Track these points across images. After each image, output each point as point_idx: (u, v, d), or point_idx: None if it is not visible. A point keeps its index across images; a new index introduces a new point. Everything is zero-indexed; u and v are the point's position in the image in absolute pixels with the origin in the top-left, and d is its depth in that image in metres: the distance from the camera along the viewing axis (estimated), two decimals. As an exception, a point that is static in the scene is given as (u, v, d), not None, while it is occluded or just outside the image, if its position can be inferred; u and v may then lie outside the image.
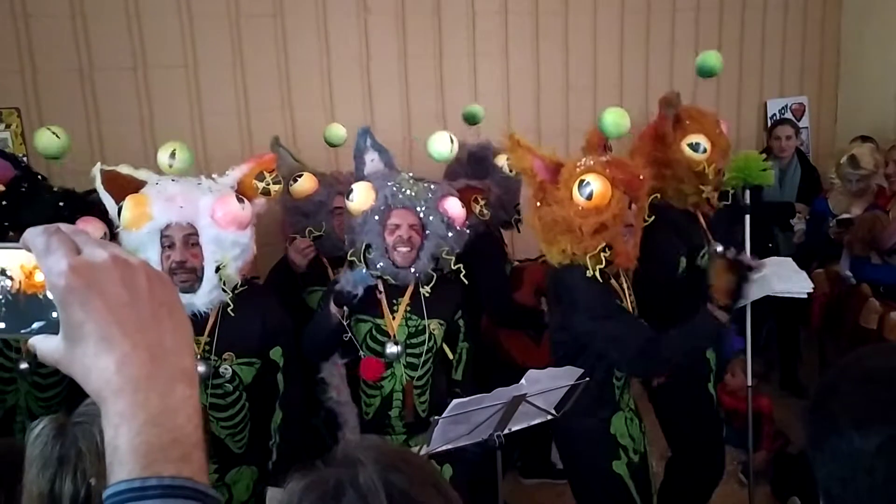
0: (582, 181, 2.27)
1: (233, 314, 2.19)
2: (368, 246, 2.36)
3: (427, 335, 2.42)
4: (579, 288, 2.36)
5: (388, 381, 2.41)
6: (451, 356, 2.55)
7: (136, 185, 2.17)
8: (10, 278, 0.61)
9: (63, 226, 0.60)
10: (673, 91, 2.89)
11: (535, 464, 3.62)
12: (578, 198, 2.26)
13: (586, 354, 2.41)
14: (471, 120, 3.33)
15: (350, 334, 2.36)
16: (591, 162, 2.34)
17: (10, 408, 2.38)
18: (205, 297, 2.12)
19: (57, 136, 2.40)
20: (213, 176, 2.25)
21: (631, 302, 2.48)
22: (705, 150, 2.75)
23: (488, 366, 2.99)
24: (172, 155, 2.34)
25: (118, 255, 0.59)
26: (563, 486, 3.57)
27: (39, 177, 2.56)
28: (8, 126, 3.06)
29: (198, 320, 2.14)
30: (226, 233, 2.11)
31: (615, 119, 2.70)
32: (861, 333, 3.44)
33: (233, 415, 2.23)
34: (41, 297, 0.61)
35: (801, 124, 4.77)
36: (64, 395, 2.38)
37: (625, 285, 2.48)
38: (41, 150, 2.43)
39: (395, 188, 2.35)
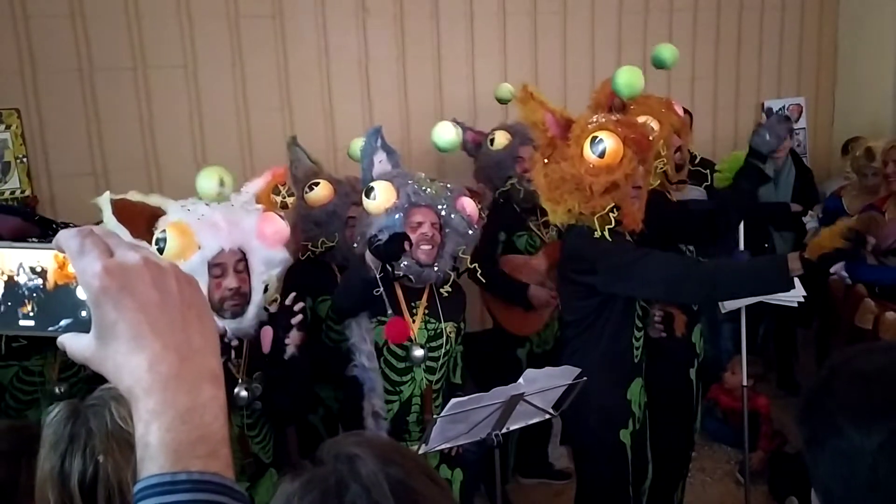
0: (595, 138, 2.21)
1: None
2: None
3: (444, 338, 2.43)
4: (596, 247, 2.30)
5: (408, 385, 2.42)
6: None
7: (149, 212, 2.06)
8: (43, 277, 0.63)
9: (96, 228, 0.61)
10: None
11: (532, 463, 3.63)
12: (590, 155, 2.21)
13: (599, 324, 2.40)
14: (503, 100, 3.43)
15: (381, 289, 2.30)
16: (604, 119, 2.29)
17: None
18: (252, 318, 2.09)
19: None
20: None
21: None
22: (653, 129, 2.70)
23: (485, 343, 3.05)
24: (222, 183, 2.16)
25: (149, 257, 0.61)
26: (562, 485, 3.60)
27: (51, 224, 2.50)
28: (8, 127, 3.06)
29: (236, 343, 2.11)
30: (274, 251, 2.09)
31: (628, 79, 2.60)
32: (857, 333, 3.46)
33: (261, 429, 2.21)
34: (72, 288, 0.62)
35: (798, 125, 4.79)
36: None
37: None
38: None
39: (416, 186, 2.35)
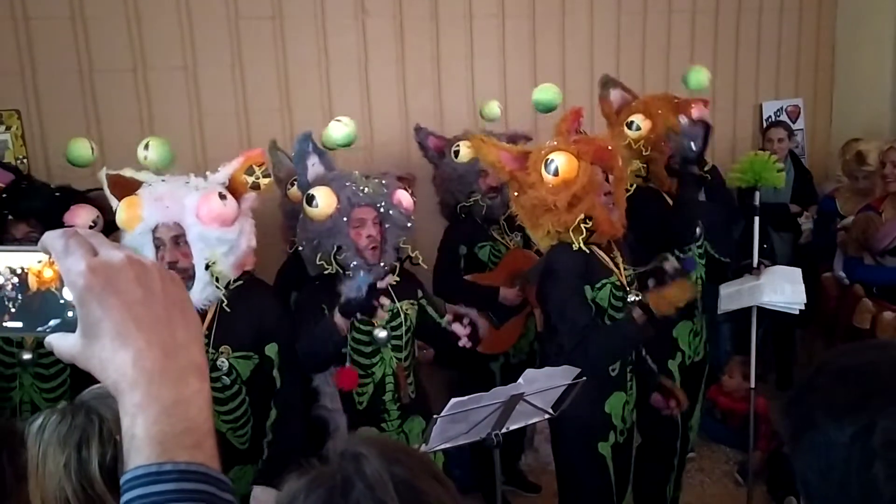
0: (547, 160, 2.38)
1: (228, 309, 2.23)
2: (339, 248, 2.41)
3: (403, 316, 2.53)
4: (555, 266, 2.46)
5: (378, 367, 2.50)
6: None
7: (136, 187, 2.24)
8: (26, 280, 0.64)
9: (80, 229, 0.63)
10: (604, 74, 3.19)
11: (503, 469, 3.55)
12: (546, 176, 2.37)
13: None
14: (488, 117, 3.42)
15: (348, 347, 2.43)
16: (555, 142, 2.46)
17: (15, 406, 2.39)
18: (197, 294, 2.16)
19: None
20: (207, 173, 2.27)
21: (627, 276, 2.53)
22: (639, 128, 2.93)
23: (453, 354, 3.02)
24: (146, 147, 2.37)
25: (133, 256, 0.63)
26: (535, 497, 3.58)
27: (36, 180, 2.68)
28: (8, 128, 3.07)
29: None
30: (210, 230, 2.13)
31: (542, 96, 2.90)
32: (854, 333, 3.47)
33: (233, 408, 2.27)
34: (56, 293, 0.63)
35: (796, 126, 4.80)
36: (69, 383, 2.41)
37: (618, 258, 2.53)
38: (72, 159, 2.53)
39: (354, 188, 2.42)
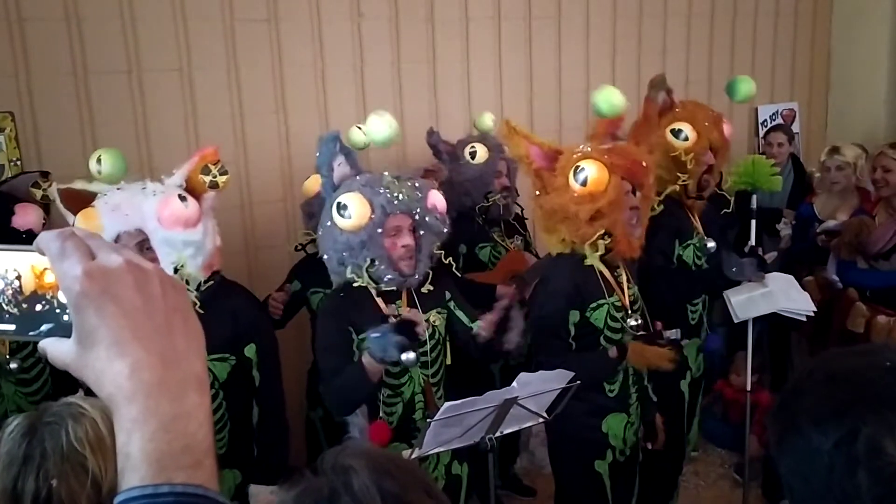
0: (577, 167, 2.26)
1: (202, 311, 2.13)
2: (372, 261, 2.28)
3: (431, 330, 2.38)
4: (551, 280, 2.40)
5: (407, 386, 2.36)
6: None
7: (90, 198, 2.19)
8: (20, 281, 0.61)
9: (77, 230, 0.60)
10: (659, 74, 2.94)
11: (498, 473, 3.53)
12: (574, 184, 2.26)
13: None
14: (482, 129, 3.43)
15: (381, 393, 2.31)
16: (589, 148, 2.34)
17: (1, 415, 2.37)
18: None
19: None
20: (162, 177, 2.23)
21: (630, 295, 2.48)
22: (687, 139, 2.75)
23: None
24: (98, 161, 2.28)
25: (132, 260, 0.59)
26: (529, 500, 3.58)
27: None
28: (2, 130, 3.06)
29: None
30: (174, 233, 2.09)
31: (606, 97, 2.60)
32: (848, 337, 3.47)
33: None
34: (51, 298, 0.61)
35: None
36: (49, 385, 2.41)
37: (623, 277, 2.47)
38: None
39: (388, 195, 2.27)
